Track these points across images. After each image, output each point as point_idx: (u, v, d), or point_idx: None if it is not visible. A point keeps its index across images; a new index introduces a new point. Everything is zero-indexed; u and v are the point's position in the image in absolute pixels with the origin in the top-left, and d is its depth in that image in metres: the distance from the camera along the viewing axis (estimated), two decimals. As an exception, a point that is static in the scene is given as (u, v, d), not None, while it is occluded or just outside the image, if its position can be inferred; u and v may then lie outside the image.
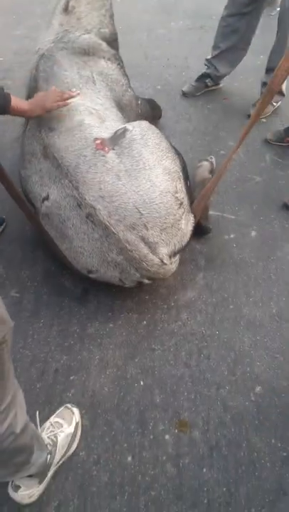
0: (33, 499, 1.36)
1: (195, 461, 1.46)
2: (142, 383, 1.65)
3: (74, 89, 1.76)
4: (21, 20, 3.78)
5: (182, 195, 1.68)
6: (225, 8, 2.69)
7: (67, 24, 2.05)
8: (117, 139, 1.67)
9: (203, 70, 3.04)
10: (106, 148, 1.62)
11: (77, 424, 1.51)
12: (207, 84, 3.07)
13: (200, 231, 2.06)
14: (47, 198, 1.70)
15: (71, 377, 1.66)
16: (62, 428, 1.47)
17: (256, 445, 1.50)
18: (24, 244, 2.12)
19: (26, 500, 1.36)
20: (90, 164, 1.60)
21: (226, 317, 1.84)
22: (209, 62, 2.97)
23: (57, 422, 1.49)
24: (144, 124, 1.75)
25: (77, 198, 1.60)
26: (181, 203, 1.66)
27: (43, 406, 1.58)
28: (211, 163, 2.39)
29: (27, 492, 1.35)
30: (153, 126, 1.78)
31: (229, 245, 2.13)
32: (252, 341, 1.77)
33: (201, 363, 1.70)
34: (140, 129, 1.70)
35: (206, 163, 2.38)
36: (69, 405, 1.55)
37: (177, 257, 1.77)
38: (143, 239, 1.58)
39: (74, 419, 1.52)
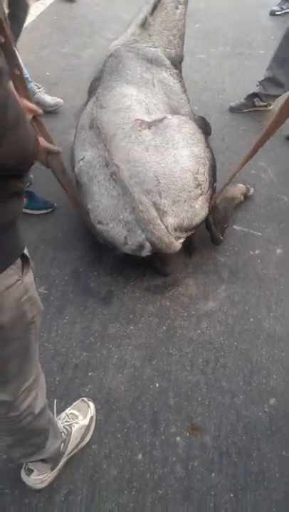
0: (44, 485, 1.41)
1: (204, 465, 1.48)
2: (157, 385, 1.68)
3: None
4: (69, 39, 4.00)
5: (202, 178, 1.83)
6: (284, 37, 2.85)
7: (138, 36, 2.22)
8: (155, 122, 1.86)
9: (240, 93, 3.14)
10: (143, 126, 1.82)
11: (91, 417, 1.56)
12: (255, 103, 3.18)
13: (211, 238, 2.16)
14: (82, 159, 1.88)
15: (89, 373, 1.71)
16: (78, 419, 1.52)
17: (266, 455, 1.50)
18: (56, 246, 2.21)
19: (38, 485, 1.40)
20: (125, 135, 1.79)
21: (246, 329, 1.87)
22: (260, 83, 3.11)
23: (72, 413, 1.54)
24: (184, 118, 1.93)
25: (106, 158, 1.77)
26: (198, 184, 1.80)
27: (61, 398, 1.64)
28: (248, 188, 2.45)
29: (39, 477, 1.39)
30: (192, 122, 1.95)
31: (254, 260, 2.16)
32: (270, 354, 1.78)
33: (217, 371, 1.73)
34: (178, 120, 1.90)
35: (241, 186, 2.44)
36: (85, 399, 1.60)
37: (184, 237, 1.89)
38: (155, 204, 1.74)
39: (89, 412, 1.56)
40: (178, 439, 1.54)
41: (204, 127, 2.73)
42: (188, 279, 2.07)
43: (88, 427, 1.53)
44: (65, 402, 1.63)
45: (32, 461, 1.35)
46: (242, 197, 2.42)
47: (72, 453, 1.48)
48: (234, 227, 2.32)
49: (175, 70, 2.28)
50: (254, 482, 1.45)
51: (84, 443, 1.52)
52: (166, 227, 1.77)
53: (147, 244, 1.80)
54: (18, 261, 0.89)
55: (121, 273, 2.10)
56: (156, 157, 1.75)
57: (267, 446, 1.52)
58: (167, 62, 2.24)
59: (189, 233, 1.91)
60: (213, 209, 2.01)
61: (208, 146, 1.94)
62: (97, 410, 1.60)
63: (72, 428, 1.48)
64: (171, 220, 1.78)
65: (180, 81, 2.31)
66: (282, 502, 1.39)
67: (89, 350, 1.79)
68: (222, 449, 1.52)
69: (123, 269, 2.11)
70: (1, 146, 0.67)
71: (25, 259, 0.92)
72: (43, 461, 1.36)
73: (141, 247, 1.82)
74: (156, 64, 2.19)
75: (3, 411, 1.08)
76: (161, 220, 1.76)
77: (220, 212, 2.17)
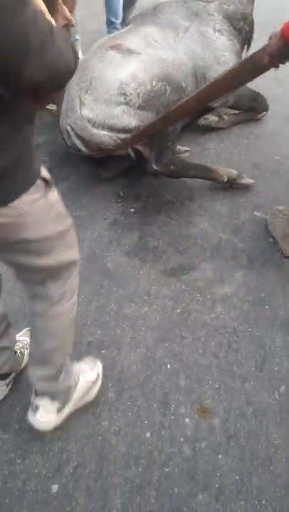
0: (48, 427, 1.43)
1: (211, 446, 1.49)
2: (168, 366, 1.69)
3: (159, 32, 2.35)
4: (97, 14, 3.95)
5: (130, 91, 2.11)
6: None
7: None
8: (130, 48, 2.22)
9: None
10: (115, 48, 2.23)
11: (98, 375, 1.58)
12: None
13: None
14: None
15: (103, 351, 1.74)
16: (85, 373, 1.54)
17: (274, 441, 1.50)
18: (75, 224, 2.22)
19: (42, 426, 1.42)
20: (98, 54, 2.27)
21: (261, 315, 1.85)
22: None
23: (81, 367, 1.56)
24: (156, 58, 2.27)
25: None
26: (123, 94, 2.11)
27: (74, 374, 1.67)
28: (240, 176, 2.38)
29: (44, 418, 1.40)
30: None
31: (273, 248, 2.13)
32: (284, 342, 1.77)
33: (230, 356, 1.73)
34: (147, 56, 2.23)
35: (233, 171, 2.38)
36: (94, 358, 1.63)
37: (114, 137, 2.16)
38: (80, 97, 2.16)
39: (96, 369, 1.58)
40: (187, 420, 1.56)
41: (252, 102, 2.73)
42: (205, 263, 2.06)
43: (94, 382, 1.56)
44: (78, 378, 1.66)
45: (43, 394, 1.38)
46: (225, 178, 2.33)
47: (77, 405, 1.51)
48: (255, 213, 2.29)
49: (226, 27, 2.38)
50: (260, 466, 1.45)
51: (89, 397, 1.55)
52: (81, 115, 2.13)
53: (72, 133, 2.20)
54: (40, 182, 1.04)
55: (137, 255, 2.10)
56: (102, 67, 2.17)
57: (275, 433, 1.52)
58: (217, 18, 2.37)
59: (120, 135, 2.16)
60: (155, 139, 2.22)
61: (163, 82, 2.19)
62: (108, 388, 1.63)
63: (80, 379, 1.50)
64: (86, 112, 2.13)
65: (230, 39, 2.39)
66: (287, 487, 1.40)
67: (103, 328, 1.81)
68: (230, 432, 1.52)
69: (139, 251, 2.11)
70: (25, 69, 0.77)
71: (46, 180, 1.07)
72: (51, 398, 1.39)
73: (68, 135, 2.24)
74: (202, 17, 2.36)
75: (47, 304, 1.24)
76: (80, 109, 2.14)
77: (171, 155, 2.31)
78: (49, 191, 1.08)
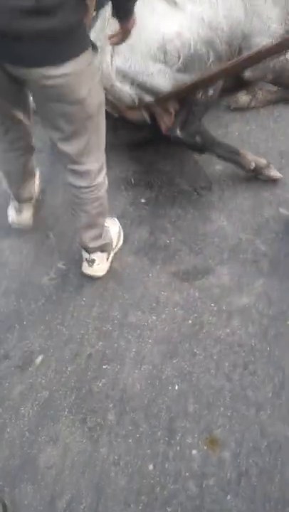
0: (103, 272, 1.79)
1: (220, 484, 1.35)
2: (176, 388, 1.53)
3: None
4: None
5: (172, 49, 1.84)
6: None
7: None
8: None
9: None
10: None
11: (119, 227, 1.92)
12: None
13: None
14: None
15: (104, 366, 1.57)
16: (111, 227, 1.85)
17: (291, 483, 1.35)
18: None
19: (99, 273, 1.78)
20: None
21: (281, 332, 1.67)
22: None
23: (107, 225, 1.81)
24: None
25: None
26: (164, 51, 1.84)
27: (71, 391, 1.51)
28: (269, 166, 2.13)
29: (99, 266, 1.76)
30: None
31: (298, 252, 1.92)
32: (305, 365, 1.59)
33: (245, 379, 1.55)
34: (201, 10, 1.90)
35: (263, 160, 2.13)
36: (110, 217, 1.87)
37: (135, 95, 1.94)
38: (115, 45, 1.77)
39: (116, 222, 1.92)
40: (194, 452, 1.40)
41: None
42: (221, 267, 1.85)
43: (119, 231, 1.91)
44: (76, 395, 1.51)
45: (95, 250, 1.72)
46: (252, 164, 2.08)
47: (115, 250, 1.86)
48: (280, 210, 2.05)
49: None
50: (273, 510, 1.31)
51: (120, 243, 1.90)
52: (111, 62, 1.88)
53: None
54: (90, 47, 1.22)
55: (147, 253, 1.90)
56: (145, 14, 1.77)
57: (292, 472, 1.37)
58: None
59: (144, 96, 1.93)
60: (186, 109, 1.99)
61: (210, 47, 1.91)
62: (108, 409, 1.48)
63: (110, 231, 1.82)
64: (119, 61, 1.88)
65: (288, 12, 2.01)
66: (303, 539, 1.26)
67: (105, 339, 1.64)
68: (241, 469, 1.37)
69: (149, 250, 1.91)
70: None
71: (94, 46, 1.28)
72: (103, 251, 1.75)
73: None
74: None
75: (88, 180, 1.48)
76: (112, 56, 1.88)
77: (199, 125, 2.05)
78: (94, 58, 1.28)
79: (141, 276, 1.81)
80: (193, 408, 1.49)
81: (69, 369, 1.57)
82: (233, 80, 2.40)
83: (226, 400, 1.50)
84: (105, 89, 1.80)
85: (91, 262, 1.75)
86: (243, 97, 2.49)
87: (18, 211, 1.90)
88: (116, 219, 1.94)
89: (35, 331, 1.67)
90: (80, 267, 1.82)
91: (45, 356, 1.61)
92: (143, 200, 2.07)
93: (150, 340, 1.63)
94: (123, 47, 1.68)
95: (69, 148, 1.39)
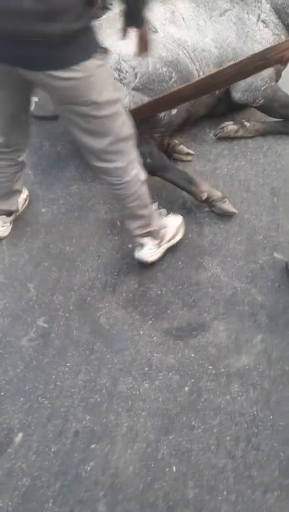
0: (153, 258, 1.78)
1: None
2: (174, 469, 1.37)
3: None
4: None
5: (129, 72, 1.88)
6: None
7: None
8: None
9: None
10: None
11: (181, 223, 1.91)
12: None
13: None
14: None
15: (92, 446, 1.40)
16: (171, 221, 1.88)
17: None
18: (62, 264, 1.85)
19: (149, 258, 1.77)
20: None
21: (285, 397, 1.53)
22: None
23: (168, 219, 1.89)
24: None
25: None
26: (120, 71, 1.87)
27: (56, 477, 1.34)
28: (221, 197, 2.01)
29: (149, 251, 1.76)
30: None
31: (297, 301, 1.80)
32: (313, 436, 1.46)
33: (248, 455, 1.41)
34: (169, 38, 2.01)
35: (218, 193, 2.02)
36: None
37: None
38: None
39: (180, 217, 1.91)
40: None
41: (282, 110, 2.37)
42: (217, 322, 1.71)
43: (178, 227, 1.88)
44: (61, 483, 1.33)
45: (143, 236, 1.71)
46: (204, 195, 1.98)
47: (169, 243, 1.85)
48: (275, 255, 1.93)
49: (273, 19, 2.13)
50: None
51: (177, 238, 1.88)
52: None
53: None
54: (100, 49, 1.23)
55: (136, 307, 1.74)
56: (108, 32, 1.83)
57: None
58: (265, 6, 2.10)
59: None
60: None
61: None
62: (99, 499, 1.31)
63: (170, 224, 1.85)
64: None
65: (276, 34, 2.13)
66: None
67: (93, 412, 1.47)
68: None
69: (139, 303, 1.75)
70: None
71: (105, 49, 1.26)
72: (152, 237, 1.73)
73: None
74: (247, 2, 2.09)
75: (118, 177, 1.48)
76: None
77: (154, 147, 2.03)
78: (106, 60, 1.33)
79: (131, 335, 1.66)
80: (193, 494, 1.33)
81: (53, 449, 1.39)
82: (223, 105, 2.33)
83: (229, 482, 1.36)
84: None
85: (140, 246, 1.76)
86: (229, 126, 2.39)
87: None
88: (180, 216, 1.93)
89: (13, 404, 1.48)
90: (64, 323, 1.65)
91: (26, 434, 1.43)
92: (131, 246, 1.91)
93: (143, 413, 1.47)
94: None
95: (92, 145, 1.40)
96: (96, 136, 1.37)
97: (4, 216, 1.86)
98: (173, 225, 1.86)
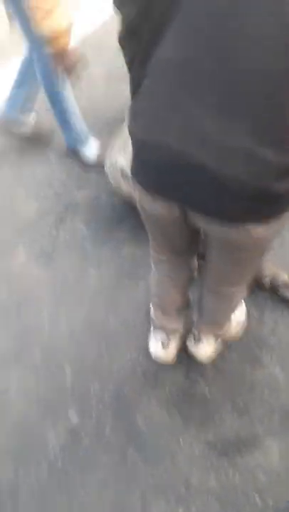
0: (209, 360, 1.60)
1: None
2: None
3: None
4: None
5: None
6: None
7: None
8: None
9: None
10: None
11: (246, 316, 1.70)
12: None
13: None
14: None
15: None
16: (237, 315, 1.64)
17: None
18: (105, 339, 1.70)
19: (204, 357, 1.59)
20: None
21: None
22: None
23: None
24: None
25: None
26: None
27: None
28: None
29: (207, 348, 1.58)
30: None
31: None
32: None
33: None
34: None
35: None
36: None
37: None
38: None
39: (244, 311, 1.70)
40: None
41: None
42: (271, 438, 1.47)
43: (243, 323, 1.68)
44: None
45: (207, 334, 1.56)
46: (266, 281, 1.75)
47: (231, 338, 1.66)
48: None
49: None
50: None
51: (239, 333, 1.67)
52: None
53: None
54: None
55: (180, 409, 1.54)
56: None
57: None
58: None
59: None
60: None
61: None
62: None
63: (233, 321, 1.62)
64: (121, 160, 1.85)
65: None
66: None
67: (118, 540, 1.30)
68: None
69: (183, 402, 1.56)
70: None
71: None
72: (215, 337, 1.57)
73: None
74: None
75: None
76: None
77: None
78: None
79: (170, 444, 1.47)
80: None
81: None
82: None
83: None
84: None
85: (197, 341, 1.60)
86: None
87: (165, 345, 1.60)
88: (244, 306, 1.72)
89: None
90: (96, 417, 1.49)
91: None
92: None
93: None
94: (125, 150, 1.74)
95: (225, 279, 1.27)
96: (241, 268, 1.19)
97: (176, 334, 1.63)
98: (238, 320, 1.66)
